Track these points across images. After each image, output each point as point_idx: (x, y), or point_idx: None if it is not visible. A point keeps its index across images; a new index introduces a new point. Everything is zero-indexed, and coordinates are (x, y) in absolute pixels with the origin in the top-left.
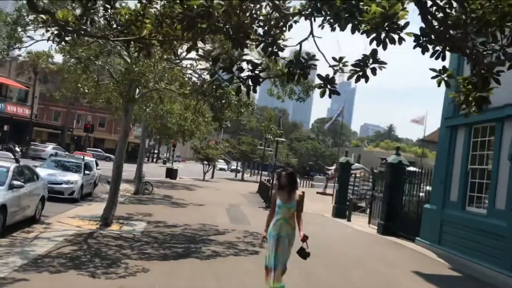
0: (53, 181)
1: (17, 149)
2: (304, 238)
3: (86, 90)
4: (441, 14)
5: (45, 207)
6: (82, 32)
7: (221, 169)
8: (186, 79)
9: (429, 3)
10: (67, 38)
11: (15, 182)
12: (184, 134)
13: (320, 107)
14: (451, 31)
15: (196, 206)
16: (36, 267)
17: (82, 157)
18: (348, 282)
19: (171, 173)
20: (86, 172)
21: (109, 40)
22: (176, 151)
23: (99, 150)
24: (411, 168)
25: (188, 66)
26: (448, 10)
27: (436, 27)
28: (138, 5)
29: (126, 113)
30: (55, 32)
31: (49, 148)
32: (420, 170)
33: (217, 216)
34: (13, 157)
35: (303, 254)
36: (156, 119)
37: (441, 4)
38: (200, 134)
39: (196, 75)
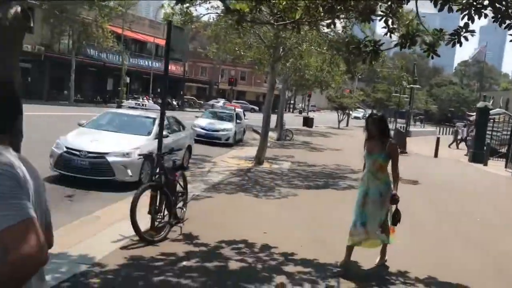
0: (213, 129)
1: (174, 103)
2: (393, 200)
3: (242, 53)
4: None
5: (208, 150)
6: (254, 20)
7: (355, 117)
8: (323, 37)
9: None
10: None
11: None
12: (321, 84)
13: (464, 48)
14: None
15: (332, 150)
16: (215, 190)
17: (233, 108)
18: (465, 210)
19: (308, 122)
20: (237, 121)
21: (273, 25)
22: (311, 101)
23: (245, 102)
24: None
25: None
26: None
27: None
28: None
29: (272, 69)
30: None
31: (221, 102)
32: None
33: (351, 159)
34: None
35: (394, 218)
36: (295, 72)
37: None
38: (336, 84)
39: (332, 33)
